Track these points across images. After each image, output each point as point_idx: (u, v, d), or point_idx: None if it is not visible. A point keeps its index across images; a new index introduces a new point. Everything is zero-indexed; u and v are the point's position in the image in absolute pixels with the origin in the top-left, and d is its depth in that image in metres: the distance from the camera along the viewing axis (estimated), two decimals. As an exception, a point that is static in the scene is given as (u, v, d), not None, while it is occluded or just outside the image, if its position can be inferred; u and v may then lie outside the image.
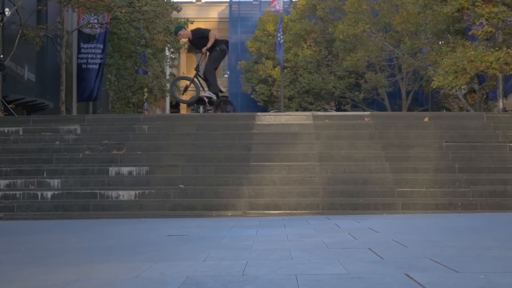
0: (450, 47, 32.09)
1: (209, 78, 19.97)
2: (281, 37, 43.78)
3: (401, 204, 14.47)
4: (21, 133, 17.83)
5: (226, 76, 67.68)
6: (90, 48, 32.21)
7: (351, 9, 43.21)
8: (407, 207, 14.38)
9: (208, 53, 20.07)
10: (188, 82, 21.16)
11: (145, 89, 42.31)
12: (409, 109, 47.02)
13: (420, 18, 37.68)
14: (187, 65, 70.01)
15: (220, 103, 20.49)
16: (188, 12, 52.64)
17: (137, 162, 16.23)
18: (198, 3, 69.46)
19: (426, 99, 51.16)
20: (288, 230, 9.75)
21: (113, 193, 15.04)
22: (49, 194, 15.08)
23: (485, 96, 34.09)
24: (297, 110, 47.53)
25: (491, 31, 26.08)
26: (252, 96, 55.11)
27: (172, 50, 47.10)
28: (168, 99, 55.90)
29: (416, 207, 14.41)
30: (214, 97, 19.73)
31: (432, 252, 6.60)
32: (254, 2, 65.83)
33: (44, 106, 30.70)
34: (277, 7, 43.83)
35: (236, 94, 59.56)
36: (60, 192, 15.16)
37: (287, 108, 48.41)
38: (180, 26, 19.57)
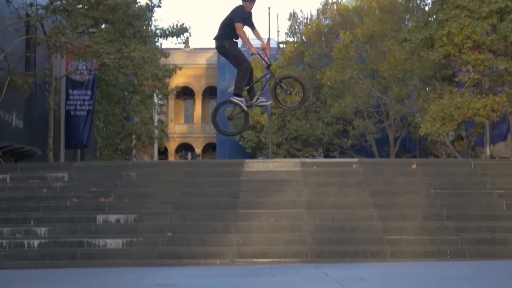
0: (437, 93, 32.23)
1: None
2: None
3: (390, 251, 14.43)
4: (8, 180, 17.76)
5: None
6: (79, 94, 32.17)
7: (339, 55, 43.42)
8: (395, 255, 14.34)
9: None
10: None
11: (133, 136, 42.25)
12: (397, 156, 47.09)
13: (407, 65, 37.89)
14: (175, 111, 70.06)
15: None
16: (176, 58, 52.74)
17: (125, 209, 16.15)
18: (187, 49, 69.66)
19: (414, 146, 51.26)
20: (276, 278, 9.70)
21: (101, 242, 14.94)
22: (36, 242, 14.96)
23: (472, 143, 34.20)
24: (285, 157, 47.53)
25: (477, 78, 26.25)
26: (240, 143, 55.09)
27: (160, 96, 47.17)
28: (156, 146, 55.86)
29: (405, 255, 14.37)
30: (238, 101, 14.25)
31: (421, 303, 6.56)
32: (243, 49, 65.90)
33: (32, 153, 30.59)
34: (265, 56, 43.99)
35: (224, 140, 59.54)
36: (47, 240, 15.05)
37: (275, 155, 48.40)
38: None
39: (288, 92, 14.27)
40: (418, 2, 41.07)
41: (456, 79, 28.95)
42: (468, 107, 25.07)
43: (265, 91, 15.83)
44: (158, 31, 38.44)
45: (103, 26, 32.19)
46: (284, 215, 15.79)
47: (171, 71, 38.90)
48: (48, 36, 26.92)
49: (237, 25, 13.36)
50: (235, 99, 14.17)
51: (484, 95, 25.94)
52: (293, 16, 54.17)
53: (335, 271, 10.86)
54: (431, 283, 8.77)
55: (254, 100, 14.22)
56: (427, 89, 39.07)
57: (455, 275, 10.03)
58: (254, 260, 14.24)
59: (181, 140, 70.70)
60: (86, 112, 32.05)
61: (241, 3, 13.42)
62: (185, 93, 68.57)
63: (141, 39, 32.01)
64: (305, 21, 52.74)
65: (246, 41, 13.46)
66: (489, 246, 14.69)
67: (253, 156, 51.25)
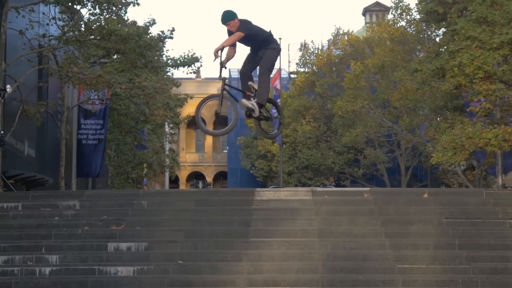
0: (449, 123, 32.26)
1: (261, 82, 13.40)
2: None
3: (401, 280, 14.37)
4: (20, 208, 17.79)
5: (225, 151, 67.82)
6: (90, 124, 32.38)
7: (350, 85, 43.55)
8: (407, 284, 14.28)
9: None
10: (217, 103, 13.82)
11: (145, 165, 42.36)
12: (408, 185, 46.99)
13: (418, 95, 37.94)
14: (186, 140, 70.27)
15: (261, 118, 13.80)
16: (187, 88, 53.04)
17: (136, 237, 16.15)
18: (198, 79, 70.01)
19: (425, 175, 51.18)
20: (288, 307, 9.68)
21: (112, 269, 14.94)
22: (47, 270, 14.97)
23: (484, 173, 34.12)
24: (296, 186, 47.50)
25: (489, 108, 26.25)
26: (251, 172, 55.08)
27: (171, 125, 47.31)
28: (167, 175, 55.95)
29: (416, 284, 14.31)
30: (257, 109, 13.22)
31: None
32: (253, 79, 66.23)
33: (44, 182, 30.71)
34: (277, 87, 44.05)
35: (235, 169, 59.58)
36: (58, 268, 15.06)
37: (286, 184, 48.35)
38: (230, 12, 12.93)
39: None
40: (429, 33, 41.15)
41: (468, 109, 28.95)
42: (480, 137, 25.04)
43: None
44: (169, 61, 38.64)
45: (114, 56, 32.39)
46: (295, 244, 15.76)
47: (182, 100, 39.03)
48: (61, 66, 27.13)
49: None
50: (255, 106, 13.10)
51: (495, 125, 25.92)
52: (304, 47, 54.42)
53: (346, 300, 10.84)
54: (443, 311, 8.74)
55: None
56: (438, 119, 39.10)
57: (467, 303, 9.99)
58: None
59: (192, 168, 70.85)
60: (97, 141, 32.23)
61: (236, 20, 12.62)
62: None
63: (152, 69, 32.20)
64: (316, 51, 52.94)
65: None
66: (502, 275, 14.62)
67: (264, 185, 51.24)
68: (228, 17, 12.57)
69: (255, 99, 13.06)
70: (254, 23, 12.61)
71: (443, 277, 14.56)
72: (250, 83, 13.22)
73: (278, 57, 13.81)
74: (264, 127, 13.91)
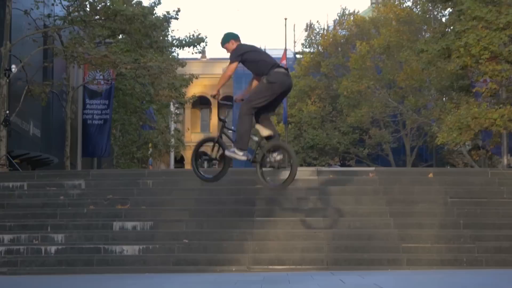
0: (454, 103, 32.21)
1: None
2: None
3: (406, 259, 14.40)
4: (25, 188, 17.83)
5: (230, 131, 67.66)
6: (96, 104, 32.39)
7: (355, 66, 43.47)
8: (412, 263, 14.30)
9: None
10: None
11: (150, 145, 42.39)
12: (414, 165, 46.94)
13: (424, 75, 37.88)
14: (191, 120, 70.26)
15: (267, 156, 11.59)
16: (193, 68, 52.89)
17: (141, 217, 16.19)
18: (203, 59, 69.86)
19: (430, 155, 51.12)
20: (292, 285, 9.70)
21: (117, 248, 14.99)
22: (53, 249, 15.03)
23: (489, 153, 34.09)
24: (301, 166, 47.49)
25: (494, 88, 26.21)
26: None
27: (176, 105, 47.30)
28: (172, 154, 55.97)
29: (421, 263, 14.33)
30: (242, 156, 11.43)
31: (438, 308, 6.55)
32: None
33: (49, 161, 30.78)
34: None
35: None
36: (64, 247, 15.11)
37: (292, 164, 48.33)
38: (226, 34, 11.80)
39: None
40: (435, 13, 41.03)
41: (473, 90, 28.90)
42: (485, 117, 25.03)
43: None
44: (174, 41, 38.57)
45: (120, 36, 32.37)
46: (300, 223, 15.78)
47: (187, 80, 39.00)
48: (66, 46, 27.11)
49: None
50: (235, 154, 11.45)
51: (501, 105, 25.89)
52: (309, 27, 54.28)
53: (351, 278, 10.85)
54: (448, 290, 8.76)
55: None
56: (444, 99, 39.02)
57: (472, 282, 10.00)
58: (270, 267, 14.24)
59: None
60: (103, 121, 32.25)
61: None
62: (202, 102, 68.74)
63: (157, 49, 32.18)
64: (322, 31, 52.82)
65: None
66: (506, 254, 14.63)
67: (269, 165, 51.12)
68: (223, 39, 11.64)
69: (234, 145, 11.39)
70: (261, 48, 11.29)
71: (448, 256, 14.58)
72: (257, 125, 11.50)
73: (272, 85, 11.17)
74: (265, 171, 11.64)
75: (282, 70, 11.35)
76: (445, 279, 10.65)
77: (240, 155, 11.32)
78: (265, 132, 11.43)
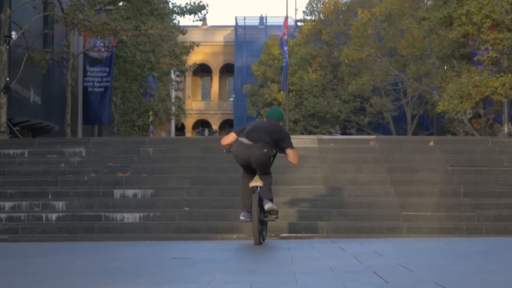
0: (455, 72, 32.12)
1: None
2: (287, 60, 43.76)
3: (406, 227, 14.44)
4: (26, 155, 17.86)
5: (231, 99, 67.79)
6: (96, 71, 32.32)
7: (356, 33, 43.29)
8: (412, 231, 14.34)
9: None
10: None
11: (151, 112, 42.37)
12: (414, 133, 46.96)
13: (426, 43, 37.75)
14: (192, 87, 70.16)
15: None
16: (194, 36, 52.75)
17: (142, 184, 16.22)
18: (204, 27, 69.67)
19: (431, 123, 51.13)
20: (293, 253, 9.72)
21: (118, 216, 15.03)
22: (53, 216, 15.07)
23: (490, 121, 34.06)
24: (302, 134, 47.51)
25: (496, 57, 26.11)
26: (257, 120, 55.13)
27: (177, 73, 47.18)
28: (173, 122, 55.99)
29: (421, 231, 14.38)
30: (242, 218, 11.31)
31: (437, 276, 6.57)
32: (260, 27, 66.01)
33: (50, 129, 30.74)
34: (284, 37, 43.71)
35: (241, 117, 59.56)
36: (64, 214, 15.16)
37: (293, 132, 48.36)
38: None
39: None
40: (437, -20, 40.80)
41: (475, 58, 28.80)
42: (486, 85, 24.96)
43: None
44: (175, 9, 38.41)
45: (120, 3, 32.21)
46: (301, 191, 15.81)
47: (188, 48, 38.89)
48: (66, 13, 26.96)
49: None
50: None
51: (502, 74, 25.82)
52: (311, -6, 53.99)
53: (351, 246, 10.87)
54: (447, 258, 8.77)
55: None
56: (445, 67, 38.90)
57: (471, 250, 10.02)
58: (271, 234, 14.28)
59: (198, 116, 70.87)
60: (103, 88, 32.19)
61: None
62: (202, 70, 68.67)
63: (158, 17, 32.05)
64: (323, -1, 52.59)
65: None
66: (506, 222, 14.67)
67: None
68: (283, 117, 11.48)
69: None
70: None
71: (448, 224, 14.63)
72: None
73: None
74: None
75: (245, 140, 10.87)
76: (445, 247, 10.67)
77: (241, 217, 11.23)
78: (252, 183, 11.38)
